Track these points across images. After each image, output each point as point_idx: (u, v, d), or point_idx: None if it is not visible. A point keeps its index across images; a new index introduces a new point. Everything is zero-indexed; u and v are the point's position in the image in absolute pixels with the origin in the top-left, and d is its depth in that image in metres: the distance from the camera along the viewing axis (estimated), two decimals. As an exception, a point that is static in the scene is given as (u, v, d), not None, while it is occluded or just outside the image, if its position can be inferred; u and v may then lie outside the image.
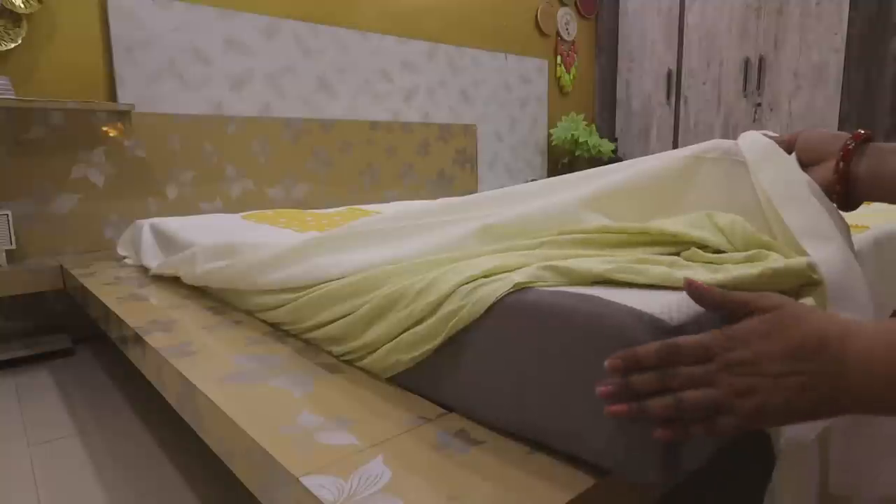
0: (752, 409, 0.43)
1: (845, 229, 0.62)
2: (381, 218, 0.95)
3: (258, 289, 1.04)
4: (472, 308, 0.63)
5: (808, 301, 0.56)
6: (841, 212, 0.65)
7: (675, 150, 0.80)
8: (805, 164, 0.67)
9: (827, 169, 0.64)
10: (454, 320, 0.64)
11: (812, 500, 0.50)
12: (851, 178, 0.61)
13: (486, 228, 0.79)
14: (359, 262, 0.85)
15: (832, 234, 0.60)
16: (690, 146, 0.79)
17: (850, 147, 0.61)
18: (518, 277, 0.63)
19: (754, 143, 0.71)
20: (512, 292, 0.62)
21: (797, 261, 0.57)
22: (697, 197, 0.74)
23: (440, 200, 0.95)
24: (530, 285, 0.63)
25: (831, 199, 0.64)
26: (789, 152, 0.69)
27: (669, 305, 0.54)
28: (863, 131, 0.63)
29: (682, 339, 0.46)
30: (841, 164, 0.61)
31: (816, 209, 0.61)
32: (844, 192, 0.62)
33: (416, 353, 0.70)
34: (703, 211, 0.72)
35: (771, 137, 0.73)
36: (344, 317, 0.82)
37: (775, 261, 0.58)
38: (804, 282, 0.57)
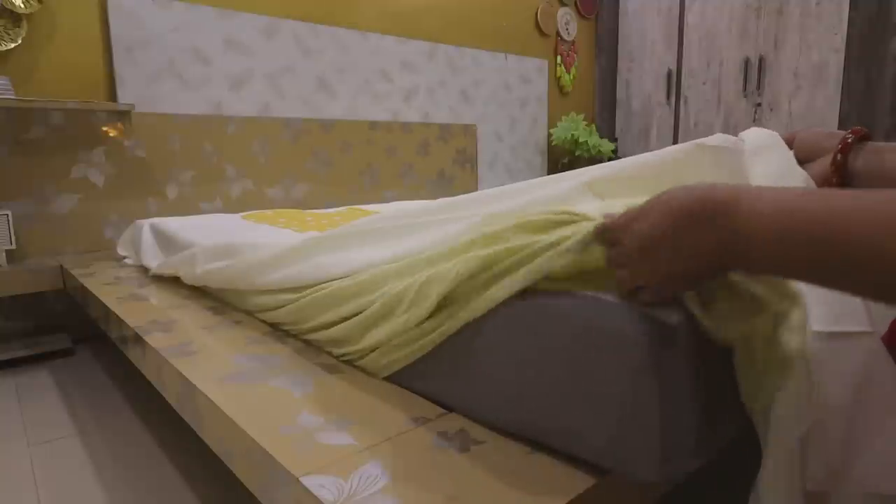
0: (648, 271, 0.49)
1: None
2: (380, 217, 0.95)
3: (257, 289, 1.04)
4: (473, 307, 0.63)
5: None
6: None
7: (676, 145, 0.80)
8: (801, 161, 0.67)
9: (823, 165, 0.64)
10: (454, 318, 0.65)
11: (797, 499, 0.50)
12: (848, 172, 0.61)
13: (486, 221, 0.78)
14: (360, 260, 0.85)
15: None
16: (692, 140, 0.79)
17: (849, 141, 0.61)
18: (519, 286, 0.62)
19: (757, 135, 0.72)
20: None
21: None
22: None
23: (440, 199, 0.95)
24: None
25: None
26: (788, 146, 0.70)
27: (669, 305, 0.54)
28: (860, 128, 0.63)
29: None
30: (839, 156, 0.61)
31: None
32: (840, 186, 0.62)
33: (413, 348, 0.70)
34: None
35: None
36: (345, 319, 0.82)
37: None
38: None
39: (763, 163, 0.67)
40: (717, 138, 0.73)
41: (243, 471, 0.69)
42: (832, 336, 0.52)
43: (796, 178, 0.64)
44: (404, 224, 0.90)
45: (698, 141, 0.74)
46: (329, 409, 0.71)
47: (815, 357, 0.52)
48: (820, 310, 0.54)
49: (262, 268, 1.02)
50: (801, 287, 0.55)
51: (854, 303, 0.54)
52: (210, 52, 2.20)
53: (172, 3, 2.09)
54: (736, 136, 0.76)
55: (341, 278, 0.85)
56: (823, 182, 0.63)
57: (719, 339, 0.53)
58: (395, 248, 0.84)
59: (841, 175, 0.62)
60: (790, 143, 0.70)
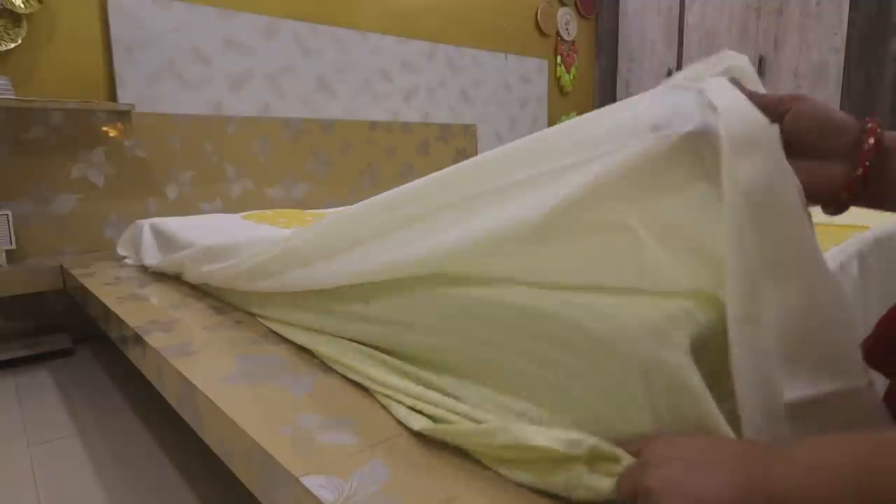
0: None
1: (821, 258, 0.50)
2: (373, 209, 0.93)
3: (259, 290, 1.03)
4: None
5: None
6: (832, 215, 0.56)
7: (616, 108, 0.65)
8: (792, 151, 0.50)
9: (828, 176, 0.52)
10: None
11: None
12: (862, 190, 0.51)
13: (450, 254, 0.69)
14: (379, 262, 0.83)
15: (814, 266, 0.48)
16: (643, 98, 0.64)
17: (868, 164, 0.50)
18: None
19: (741, 118, 0.51)
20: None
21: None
22: (659, 192, 0.58)
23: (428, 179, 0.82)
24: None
25: (823, 207, 0.55)
26: (774, 120, 0.51)
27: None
28: (876, 128, 0.51)
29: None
30: (854, 185, 0.51)
31: (800, 231, 0.49)
32: (847, 202, 0.53)
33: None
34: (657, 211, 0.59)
35: (754, 95, 0.55)
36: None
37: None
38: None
39: (747, 165, 0.50)
40: (687, 122, 0.54)
41: (243, 471, 0.69)
42: (819, 399, 0.47)
43: (786, 192, 0.49)
44: (403, 215, 0.88)
45: (662, 127, 0.56)
46: (329, 409, 0.71)
47: (800, 426, 0.47)
48: (800, 368, 0.47)
49: (262, 269, 1.01)
50: (770, 346, 0.48)
51: (844, 353, 0.48)
52: (210, 52, 2.20)
53: (172, 3, 2.09)
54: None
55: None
56: (823, 194, 0.53)
57: None
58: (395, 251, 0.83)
59: (854, 195, 0.52)
60: (781, 113, 0.53)
